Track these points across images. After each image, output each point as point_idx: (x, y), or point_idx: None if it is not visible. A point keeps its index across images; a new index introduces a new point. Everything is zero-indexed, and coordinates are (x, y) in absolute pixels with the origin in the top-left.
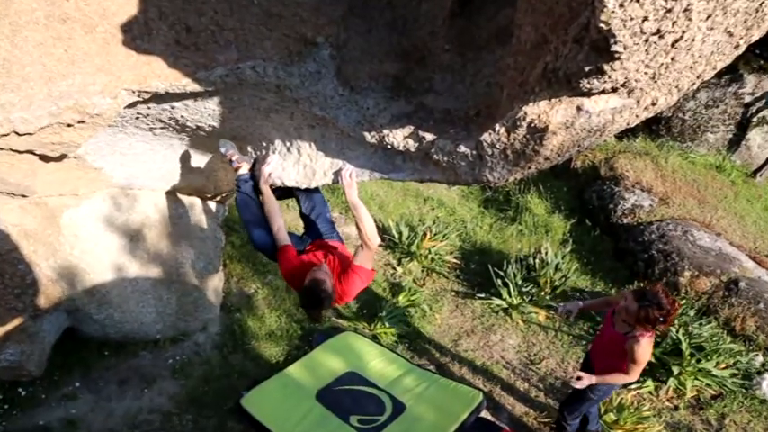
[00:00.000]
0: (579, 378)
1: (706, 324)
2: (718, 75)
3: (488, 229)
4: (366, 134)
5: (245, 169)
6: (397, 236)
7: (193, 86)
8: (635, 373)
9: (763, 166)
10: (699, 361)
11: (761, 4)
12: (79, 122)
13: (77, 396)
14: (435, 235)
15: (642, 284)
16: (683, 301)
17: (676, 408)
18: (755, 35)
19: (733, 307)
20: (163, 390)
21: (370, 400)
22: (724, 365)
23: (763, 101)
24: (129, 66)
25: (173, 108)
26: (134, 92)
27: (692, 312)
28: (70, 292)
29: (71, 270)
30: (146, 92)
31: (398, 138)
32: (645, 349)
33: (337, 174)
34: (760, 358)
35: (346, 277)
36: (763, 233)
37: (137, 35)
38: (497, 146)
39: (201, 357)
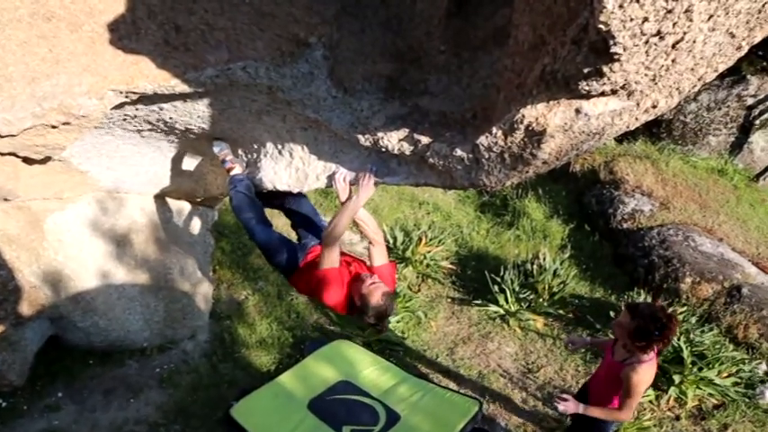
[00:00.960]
0: (565, 400)
1: (708, 331)
2: (721, 76)
3: (485, 234)
4: (360, 137)
5: (238, 170)
6: (391, 241)
7: (182, 87)
8: (627, 409)
9: (766, 169)
10: (700, 369)
11: (763, 5)
12: (64, 124)
13: (60, 407)
14: (431, 240)
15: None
16: (684, 308)
17: (678, 418)
18: (758, 36)
19: (735, 314)
20: (150, 400)
21: (364, 409)
22: (726, 374)
23: (766, 103)
24: (117, 66)
25: (161, 109)
26: (121, 92)
27: (693, 319)
28: (54, 300)
29: (55, 276)
30: (133, 93)
31: (393, 140)
32: (641, 378)
33: (331, 178)
34: (764, 366)
35: None
36: (767, 238)
37: (124, 34)
38: (494, 149)
39: (190, 366)
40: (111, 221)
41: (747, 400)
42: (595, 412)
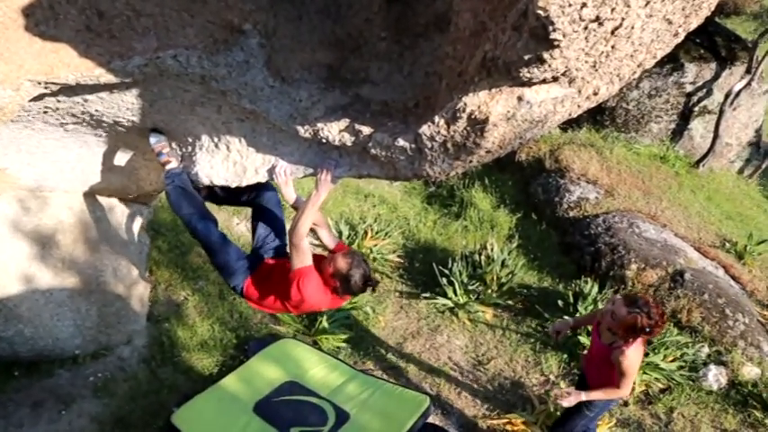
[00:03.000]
0: (567, 394)
1: None
2: (660, 64)
3: (432, 226)
4: (299, 128)
5: (174, 164)
6: (336, 235)
7: (108, 77)
8: (626, 386)
9: (705, 155)
10: (647, 355)
11: None
12: None
13: None
14: (377, 233)
15: (634, 292)
16: None
17: (626, 403)
18: (694, 23)
19: (679, 299)
20: (83, 411)
21: (312, 410)
22: (671, 358)
23: (704, 90)
24: (33, 54)
25: (86, 101)
26: (40, 83)
27: None
28: None
29: None
30: (53, 83)
31: (334, 131)
32: (632, 359)
33: (271, 171)
34: (706, 349)
35: None
36: (707, 223)
37: (41, 20)
38: (437, 139)
39: (127, 373)
40: (35, 221)
41: (692, 382)
42: (597, 395)
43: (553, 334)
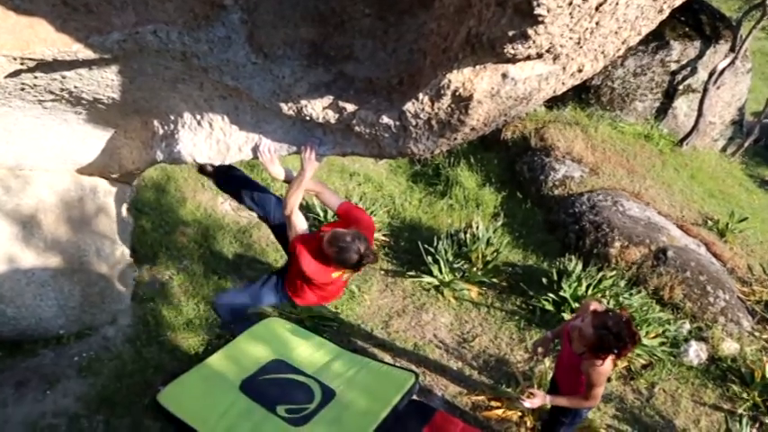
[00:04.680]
0: (532, 396)
1: (636, 294)
2: (645, 41)
3: (418, 205)
4: (283, 105)
5: None
6: (321, 214)
7: (86, 53)
8: (593, 398)
9: (689, 134)
10: None
11: None
12: None
13: None
14: None
15: (609, 310)
16: (613, 272)
17: (608, 379)
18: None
19: (661, 276)
20: (68, 390)
21: (298, 388)
22: (653, 335)
23: (689, 69)
24: (7, 28)
25: (64, 78)
26: (15, 59)
27: (622, 283)
28: None
29: None
30: (30, 59)
31: (317, 109)
32: (602, 372)
33: (255, 149)
34: (687, 326)
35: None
36: (690, 201)
37: None
38: (421, 116)
39: (112, 352)
40: (15, 201)
41: (673, 358)
42: (562, 402)
43: (533, 353)
